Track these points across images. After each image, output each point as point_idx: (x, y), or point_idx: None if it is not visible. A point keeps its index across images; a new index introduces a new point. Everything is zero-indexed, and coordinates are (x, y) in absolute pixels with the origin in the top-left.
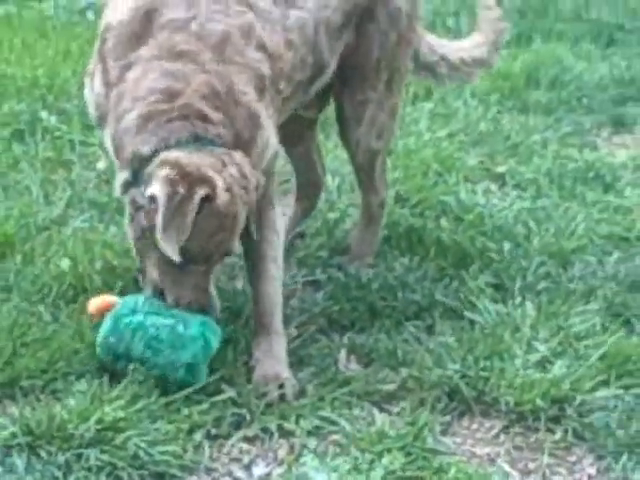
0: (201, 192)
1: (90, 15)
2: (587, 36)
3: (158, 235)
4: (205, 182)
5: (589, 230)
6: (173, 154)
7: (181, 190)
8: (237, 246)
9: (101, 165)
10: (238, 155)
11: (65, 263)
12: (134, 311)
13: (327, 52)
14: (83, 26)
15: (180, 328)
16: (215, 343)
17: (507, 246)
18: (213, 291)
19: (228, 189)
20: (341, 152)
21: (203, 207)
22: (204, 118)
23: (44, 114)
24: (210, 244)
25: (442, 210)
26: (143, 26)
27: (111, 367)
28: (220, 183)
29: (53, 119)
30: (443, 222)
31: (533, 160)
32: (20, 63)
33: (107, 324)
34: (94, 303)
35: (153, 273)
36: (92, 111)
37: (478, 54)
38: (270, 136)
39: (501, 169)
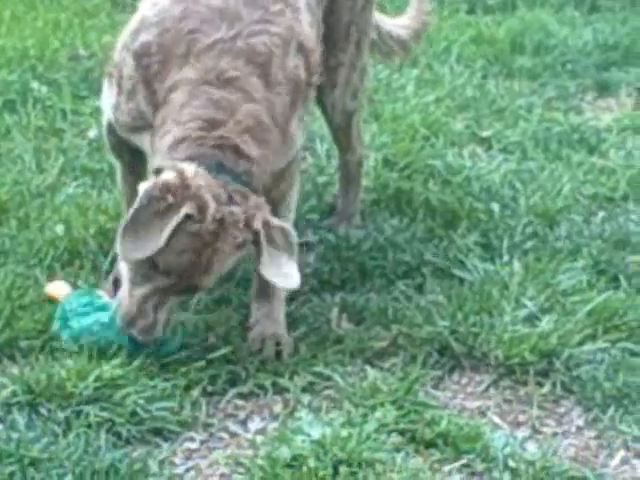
0: (187, 208)
1: None
2: (571, 2)
3: (120, 230)
4: (198, 202)
5: (575, 191)
6: (188, 167)
7: (170, 199)
8: (207, 285)
9: (92, 133)
10: (254, 201)
11: (60, 228)
12: (66, 321)
13: (321, 23)
14: None
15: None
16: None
17: (495, 207)
18: (164, 323)
19: (220, 221)
20: None
21: (185, 225)
22: (239, 152)
23: (35, 84)
24: (178, 266)
25: (430, 173)
26: (187, 47)
27: None
28: (212, 210)
29: (44, 89)
30: (431, 185)
31: (519, 124)
32: (10, 34)
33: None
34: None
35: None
36: (128, 120)
37: (403, 34)
38: (297, 139)
39: (487, 133)
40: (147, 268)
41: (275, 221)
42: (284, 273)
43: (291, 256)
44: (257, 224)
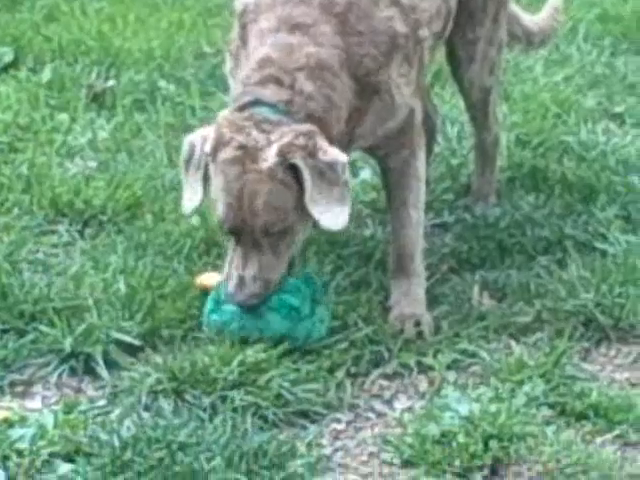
0: (207, 146)
1: None
2: None
3: None
4: (217, 138)
5: None
6: (221, 113)
7: (197, 148)
8: (260, 226)
9: None
10: (291, 129)
11: (195, 219)
12: (217, 304)
13: None
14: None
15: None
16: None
17: (634, 179)
18: (256, 279)
19: (241, 149)
20: (458, 101)
21: (215, 164)
22: (281, 84)
23: (162, 83)
24: (225, 207)
25: (564, 150)
26: (272, 2)
27: None
28: (227, 139)
29: (172, 87)
30: (566, 161)
31: None
32: (135, 36)
33: (203, 317)
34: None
35: None
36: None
37: (531, 27)
38: (397, 97)
39: (619, 109)
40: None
41: (327, 152)
42: (332, 211)
43: (341, 192)
44: (292, 152)
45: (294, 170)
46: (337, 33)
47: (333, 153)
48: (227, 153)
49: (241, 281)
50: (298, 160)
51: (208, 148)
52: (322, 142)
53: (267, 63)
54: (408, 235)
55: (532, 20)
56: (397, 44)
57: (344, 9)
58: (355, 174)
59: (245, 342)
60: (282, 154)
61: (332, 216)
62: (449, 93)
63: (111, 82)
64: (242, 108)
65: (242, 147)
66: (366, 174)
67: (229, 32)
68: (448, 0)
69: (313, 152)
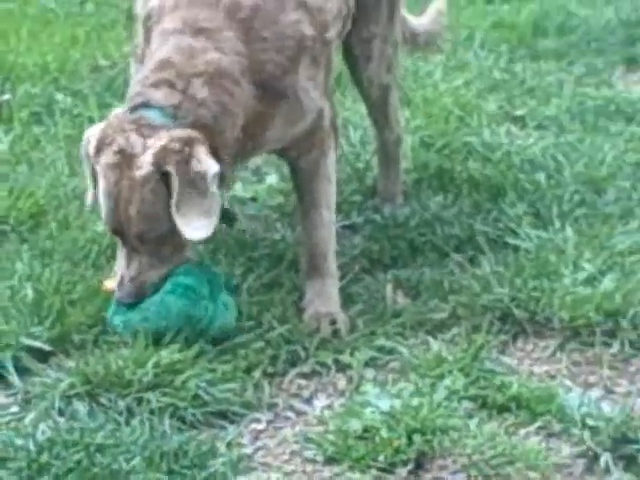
0: (90, 147)
1: (90, 7)
2: None
3: None
4: (101, 140)
5: (617, 159)
6: (114, 112)
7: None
8: (136, 231)
9: None
10: (170, 135)
11: (100, 227)
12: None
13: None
14: (85, 15)
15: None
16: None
17: (540, 177)
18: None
19: (120, 153)
20: (360, 106)
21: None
22: (174, 88)
23: (59, 96)
24: (105, 210)
25: (468, 152)
26: (175, 3)
27: None
28: (108, 142)
29: (69, 100)
30: (471, 162)
31: (551, 101)
32: (29, 51)
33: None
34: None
35: None
36: None
37: (417, 28)
38: (305, 100)
39: (520, 112)
40: None
41: (200, 161)
42: (196, 223)
43: (210, 204)
44: (166, 158)
45: (168, 177)
46: (240, 39)
47: (206, 163)
48: (107, 157)
49: (121, 280)
50: (171, 167)
51: (91, 149)
52: (199, 150)
53: (166, 65)
54: (320, 235)
55: (417, 22)
56: (304, 47)
57: (249, 14)
58: (261, 179)
59: (158, 343)
60: (156, 161)
61: (194, 228)
62: (350, 100)
63: (7, 96)
64: (134, 109)
65: (120, 152)
66: (272, 179)
67: (125, 45)
68: (348, 1)
69: (187, 159)
